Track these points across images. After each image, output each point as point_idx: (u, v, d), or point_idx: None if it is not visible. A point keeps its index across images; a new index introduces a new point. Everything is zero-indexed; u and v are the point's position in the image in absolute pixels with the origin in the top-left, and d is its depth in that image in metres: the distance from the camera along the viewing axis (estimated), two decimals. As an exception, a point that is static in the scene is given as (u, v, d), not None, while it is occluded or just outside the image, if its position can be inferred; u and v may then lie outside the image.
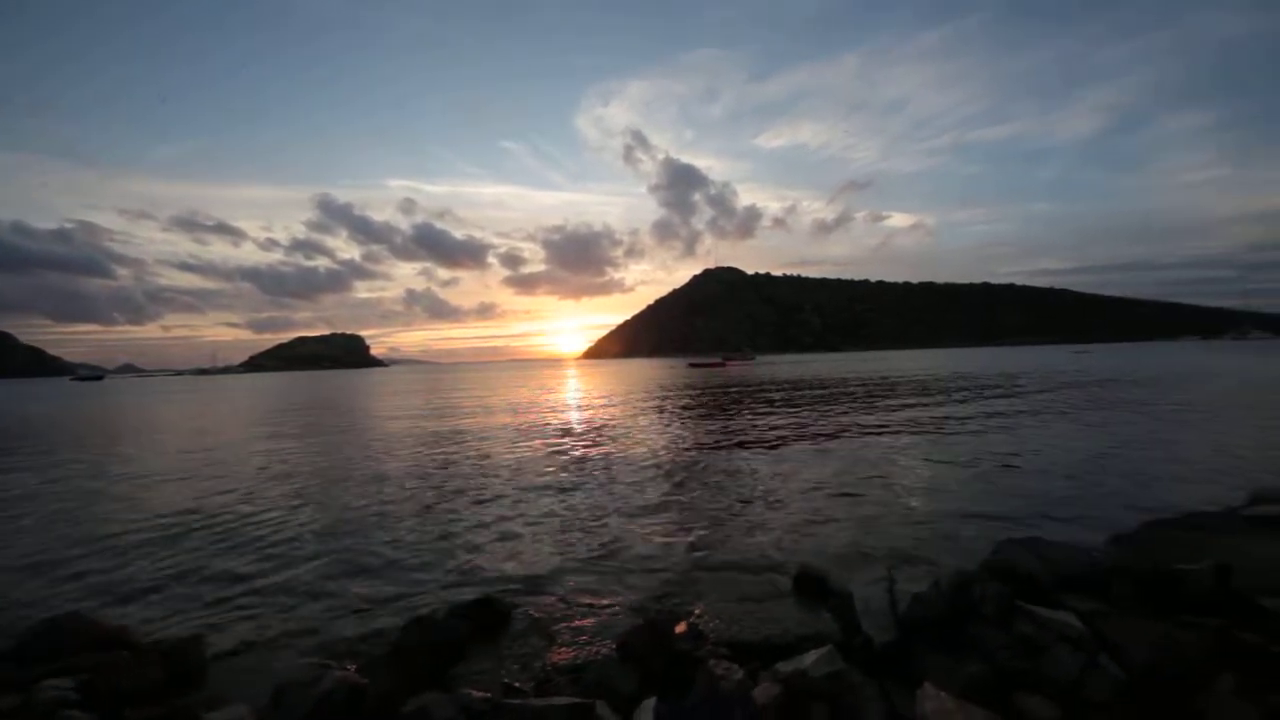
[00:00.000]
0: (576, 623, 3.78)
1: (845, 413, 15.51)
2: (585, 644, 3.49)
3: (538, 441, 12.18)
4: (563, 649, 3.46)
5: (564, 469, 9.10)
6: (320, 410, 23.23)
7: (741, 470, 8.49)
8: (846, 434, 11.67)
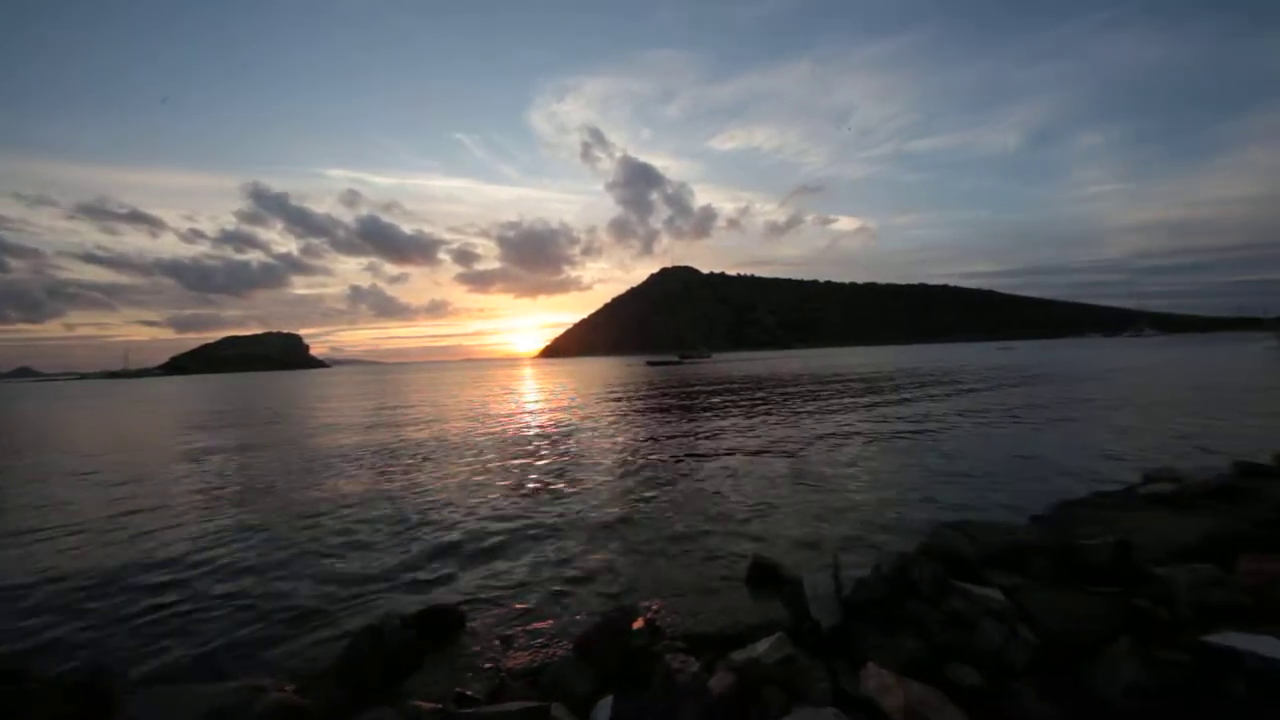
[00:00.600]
0: (533, 626, 3.73)
1: (797, 408, 16.10)
2: (542, 646, 3.45)
3: (489, 442, 11.90)
4: (519, 653, 3.41)
5: (517, 471, 8.94)
6: (248, 416, 21.66)
7: (697, 467, 8.64)
8: (797, 429, 12.11)
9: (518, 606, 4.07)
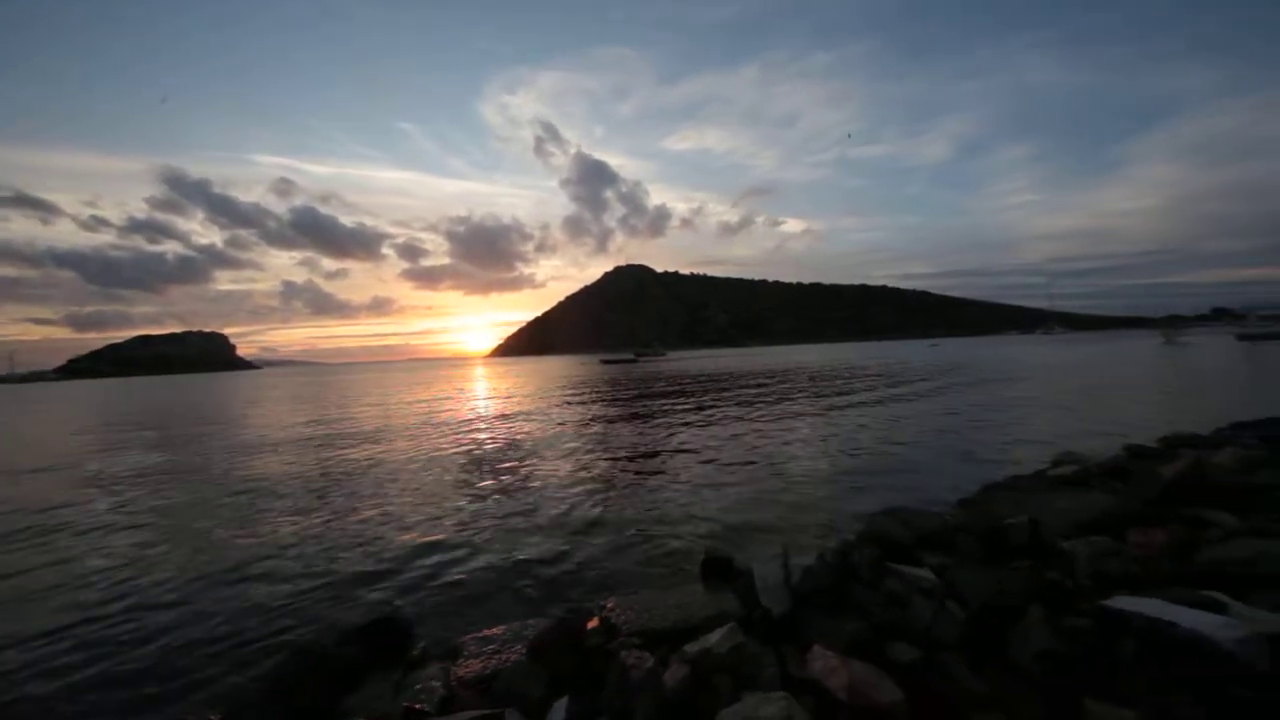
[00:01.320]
0: (484, 632, 3.63)
1: (748, 404, 16.57)
2: (494, 653, 3.36)
3: (435, 446, 11.47)
4: (470, 661, 3.30)
5: (465, 474, 8.67)
6: (157, 424, 19.77)
7: (653, 465, 8.71)
8: (749, 424, 12.47)
9: (468, 614, 3.95)
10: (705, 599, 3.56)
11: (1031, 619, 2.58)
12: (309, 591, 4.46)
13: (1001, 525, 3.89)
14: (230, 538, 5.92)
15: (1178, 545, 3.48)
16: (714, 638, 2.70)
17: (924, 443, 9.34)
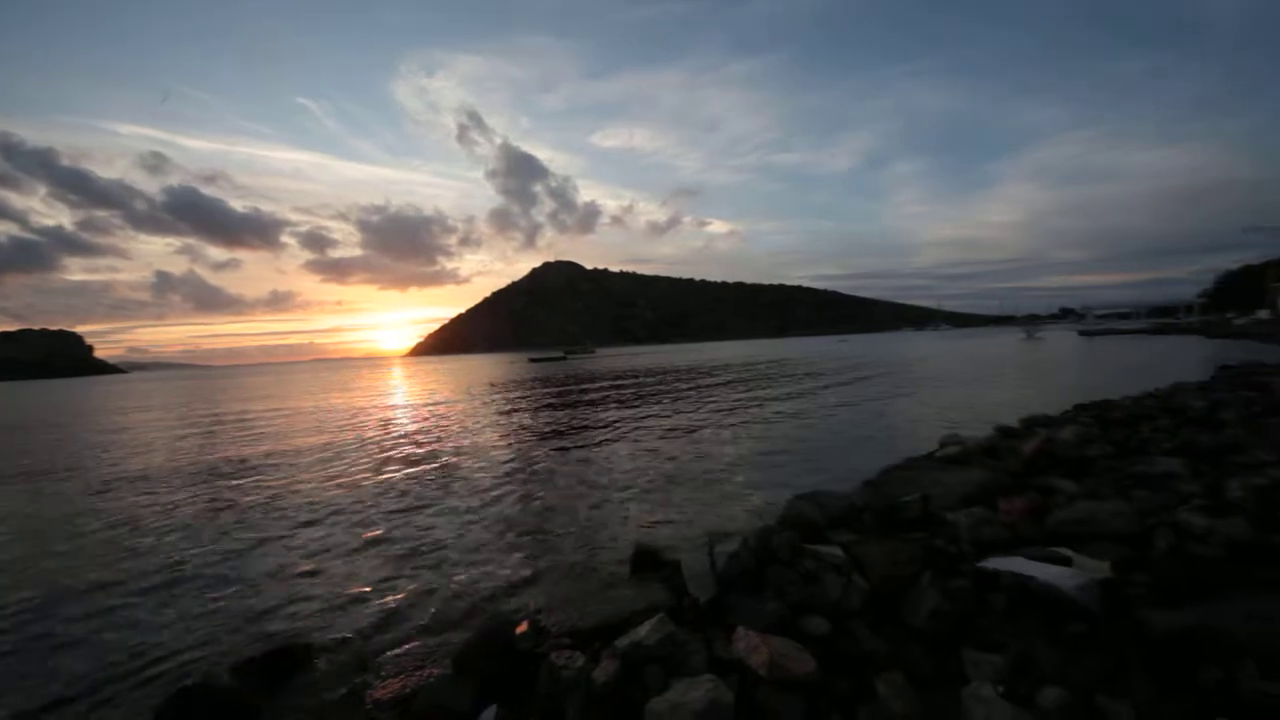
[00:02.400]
0: (402, 648, 3.42)
1: (676, 399, 16.99)
2: (414, 669, 3.18)
3: (341, 453, 10.58)
4: (387, 681, 3.09)
5: (377, 482, 8.09)
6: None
7: (580, 464, 8.66)
8: (676, 418, 12.79)
9: (384, 631, 3.69)
10: (635, 592, 3.60)
11: (922, 584, 2.89)
12: (194, 621, 3.93)
13: (898, 503, 4.32)
14: (87, 565, 5.05)
15: (1035, 510, 4.07)
16: (643, 630, 2.74)
17: (834, 430, 10.13)
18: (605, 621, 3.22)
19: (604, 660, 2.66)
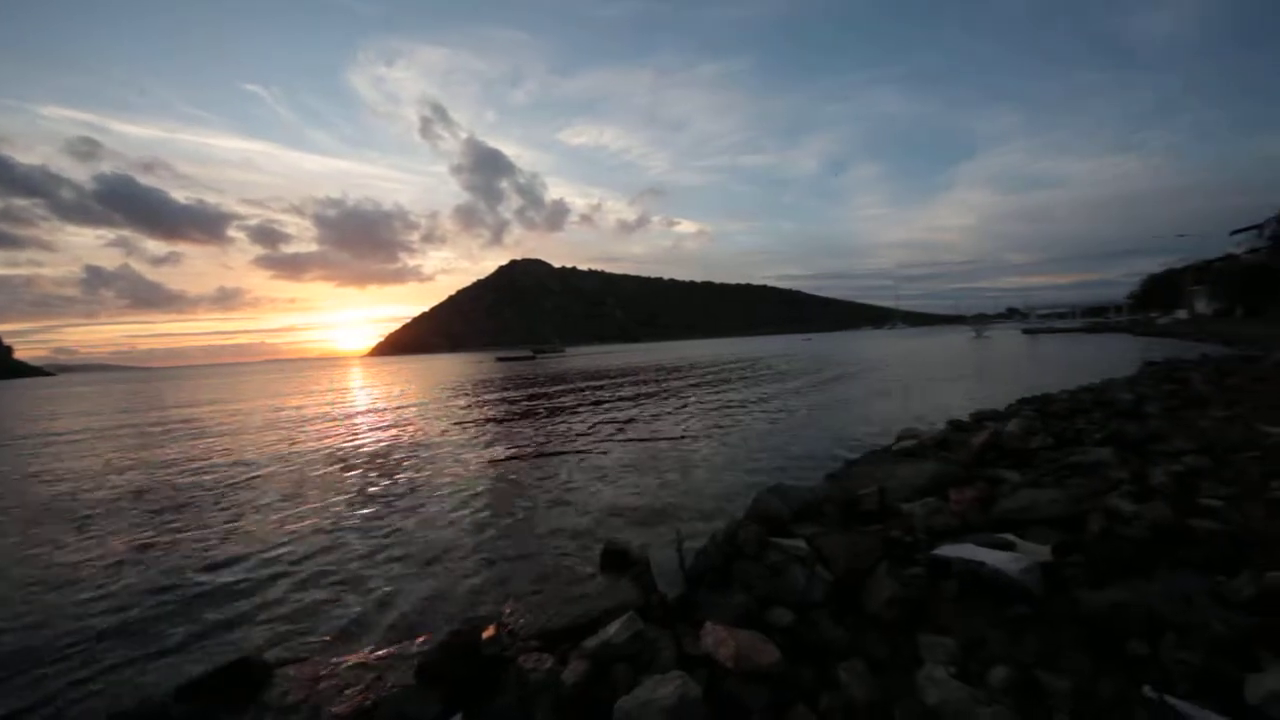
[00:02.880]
0: (364, 660, 3.30)
1: (646, 397, 17.04)
2: (377, 680, 3.07)
3: (295, 460, 10.11)
4: (349, 694, 2.98)
5: (336, 489, 7.78)
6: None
7: (550, 464, 8.58)
8: (646, 417, 12.83)
9: (344, 642, 3.55)
10: (604, 591, 3.60)
11: (880, 573, 3.01)
12: (131, 640, 3.67)
13: (857, 495, 4.48)
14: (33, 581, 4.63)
15: (983, 500, 4.30)
16: (612, 629, 2.75)
17: (798, 426, 10.41)
18: (574, 622, 3.20)
19: (573, 661, 2.65)
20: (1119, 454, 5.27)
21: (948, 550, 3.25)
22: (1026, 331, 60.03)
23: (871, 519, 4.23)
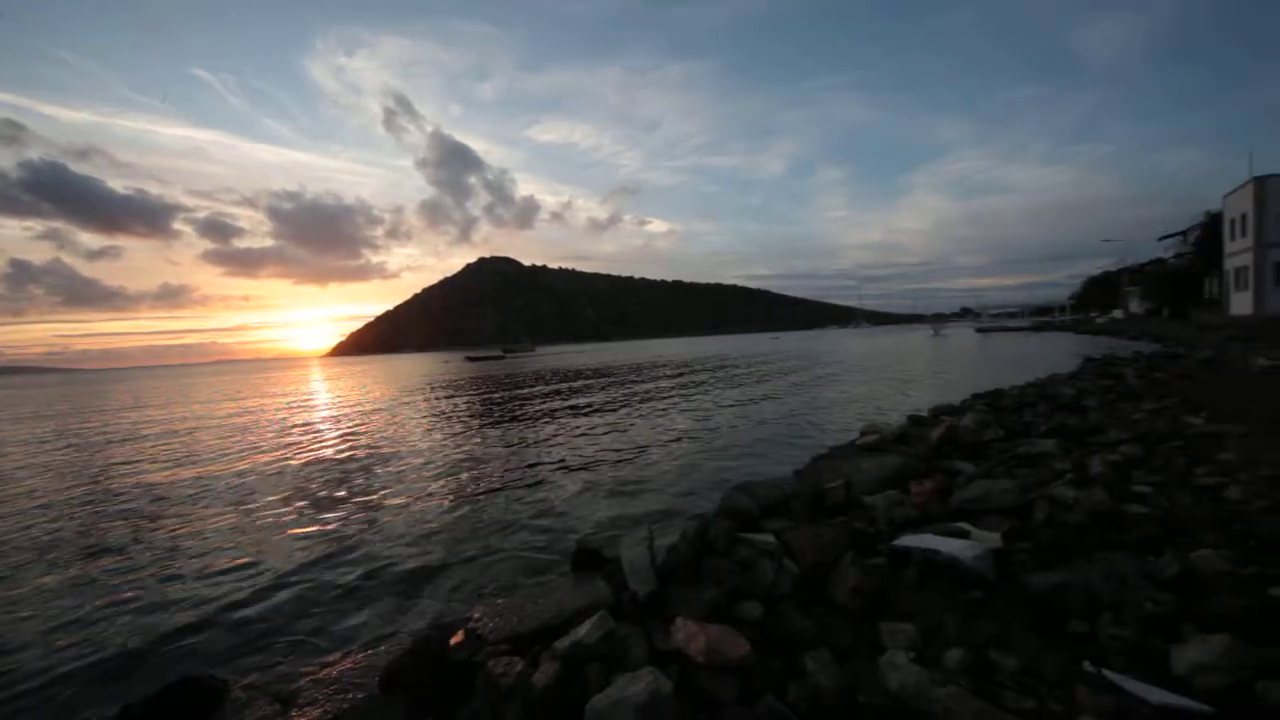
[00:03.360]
0: (323, 673, 3.18)
1: (617, 396, 17.02)
2: (337, 693, 2.97)
3: (245, 468, 9.64)
4: (306, 709, 2.87)
5: (291, 495, 7.46)
6: None
7: (520, 463, 8.47)
8: (617, 415, 12.82)
9: (302, 654, 3.41)
10: (576, 592, 3.58)
11: (845, 564, 3.11)
12: (74, 661, 3.41)
13: (824, 489, 4.61)
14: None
15: (941, 491, 4.49)
16: (584, 628, 2.73)
17: (768, 422, 10.62)
18: (546, 624, 3.17)
19: (544, 663, 2.63)
20: (1062, 445, 5.61)
21: (908, 540, 3.38)
22: (979, 330, 63.03)
23: (837, 512, 4.36)
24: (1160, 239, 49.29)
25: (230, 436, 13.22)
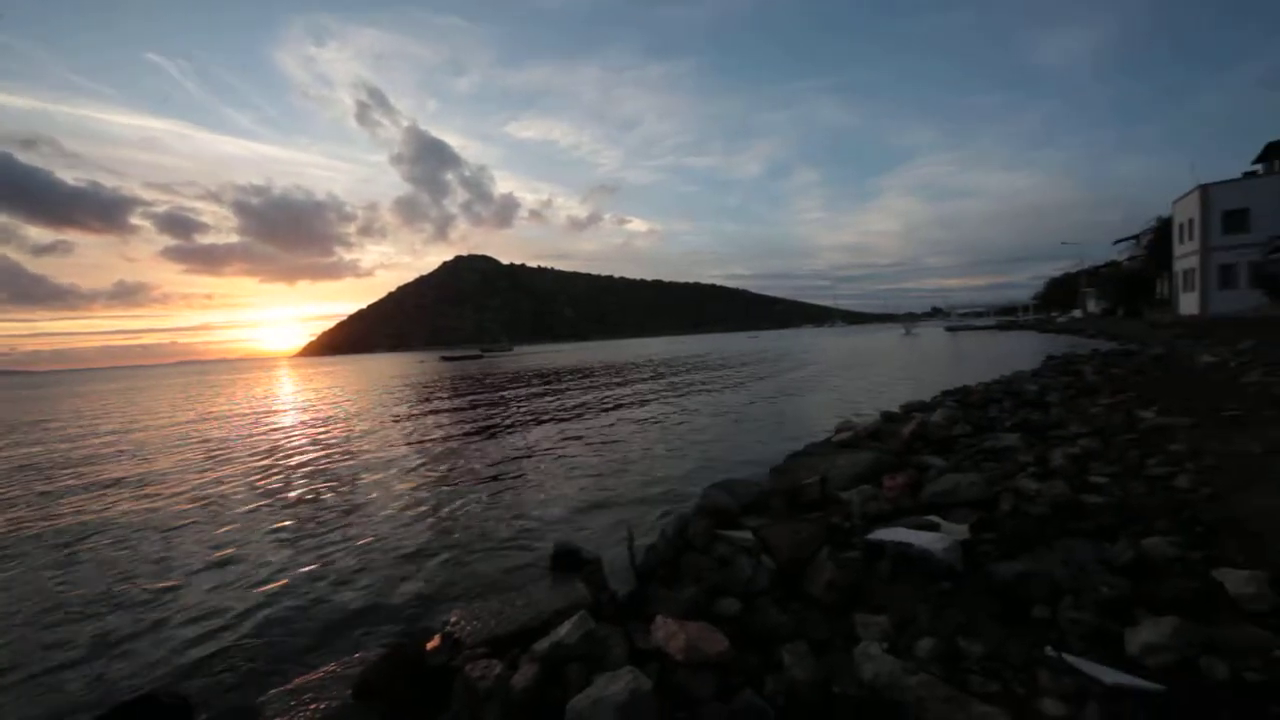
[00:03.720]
0: (293, 684, 3.08)
1: (597, 395, 16.97)
2: (309, 704, 2.88)
3: (210, 475, 9.28)
4: (275, 720, 2.77)
5: (248, 495, 7.21)
6: None
7: (499, 465, 8.37)
8: (596, 415, 12.79)
9: (271, 666, 3.30)
10: (555, 593, 3.55)
11: (820, 558, 3.17)
12: (28, 683, 3.22)
13: (801, 485, 4.69)
14: None
15: (912, 485, 4.62)
16: (564, 629, 2.72)
17: (745, 421, 10.75)
18: (525, 626, 3.14)
19: (523, 665, 2.60)
20: (1026, 439, 5.83)
21: (881, 534, 3.47)
22: (949, 329, 65.03)
23: (814, 507, 4.44)
24: (1115, 242, 51.74)
25: (190, 440, 12.68)
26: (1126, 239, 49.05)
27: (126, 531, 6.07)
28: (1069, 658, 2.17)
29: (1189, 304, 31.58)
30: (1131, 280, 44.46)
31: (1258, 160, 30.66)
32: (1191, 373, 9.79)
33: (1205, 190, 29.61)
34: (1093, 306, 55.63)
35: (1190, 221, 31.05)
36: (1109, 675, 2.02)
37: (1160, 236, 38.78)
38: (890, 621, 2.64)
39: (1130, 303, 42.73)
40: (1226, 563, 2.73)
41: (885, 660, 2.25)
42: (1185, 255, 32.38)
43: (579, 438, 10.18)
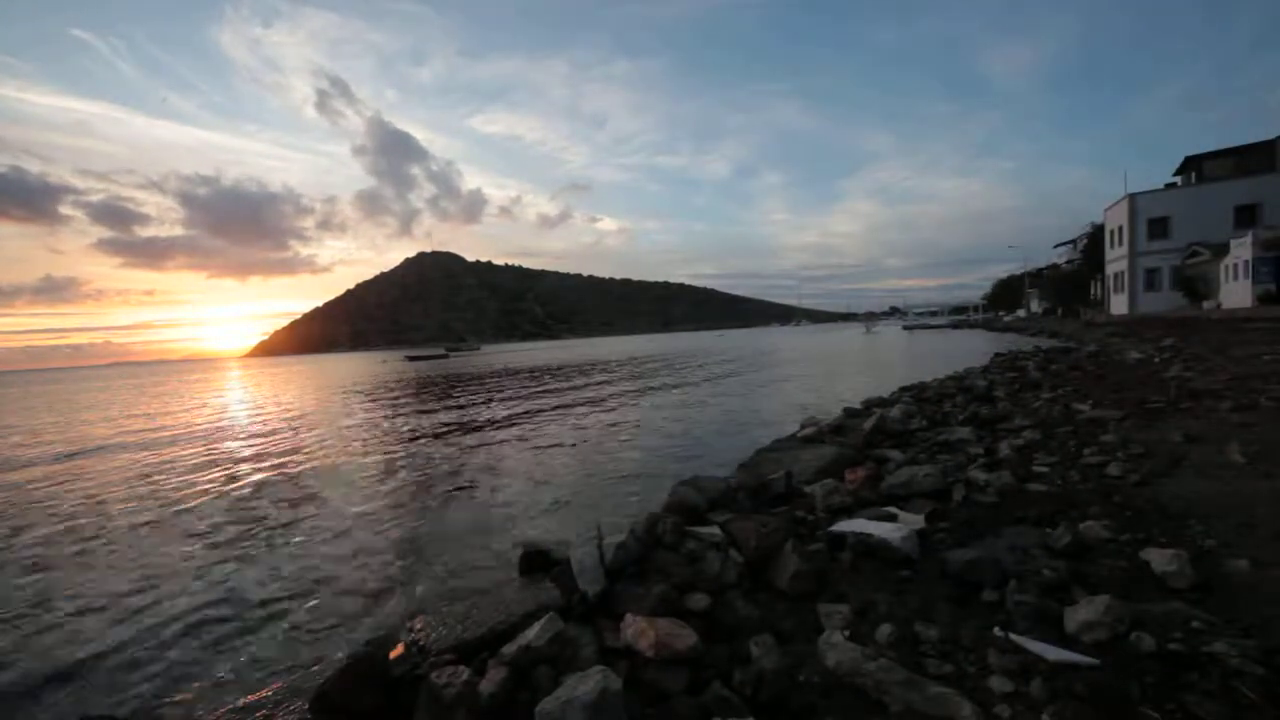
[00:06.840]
0: (245, 701, 2.92)
1: (564, 395, 16.83)
2: (262, 720, 2.74)
3: (140, 467, 8.71)
4: (225, 740, 2.63)
5: (197, 504, 6.81)
6: None
7: (465, 468, 8.18)
8: (564, 414, 12.68)
9: (225, 686, 3.11)
10: (524, 595, 3.50)
11: (786, 551, 3.25)
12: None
13: (767, 480, 4.79)
14: None
15: (872, 478, 4.80)
16: (532, 631, 2.69)
17: (712, 419, 10.90)
18: (493, 629, 3.08)
19: (491, 670, 2.55)
20: (976, 432, 6.15)
21: (843, 525, 3.58)
22: (906, 328, 67.83)
23: (780, 501, 4.54)
24: (1055, 246, 55.23)
25: (134, 445, 11.83)
26: (1065, 243, 52.46)
27: (57, 541, 5.60)
28: (1015, 637, 2.31)
29: (1119, 304, 34.07)
30: (1069, 282, 47.62)
31: (1177, 172, 33.36)
32: (1121, 368, 10.56)
33: (1133, 199, 31.98)
34: (1036, 306, 59.17)
35: (1120, 228, 33.48)
36: (1051, 653, 2.15)
37: (1094, 241, 41.66)
38: (852, 610, 2.74)
39: (1068, 303, 45.74)
40: (1152, 544, 2.96)
41: (847, 648, 2.33)
42: (1116, 259, 34.89)
43: (547, 438, 10.07)
